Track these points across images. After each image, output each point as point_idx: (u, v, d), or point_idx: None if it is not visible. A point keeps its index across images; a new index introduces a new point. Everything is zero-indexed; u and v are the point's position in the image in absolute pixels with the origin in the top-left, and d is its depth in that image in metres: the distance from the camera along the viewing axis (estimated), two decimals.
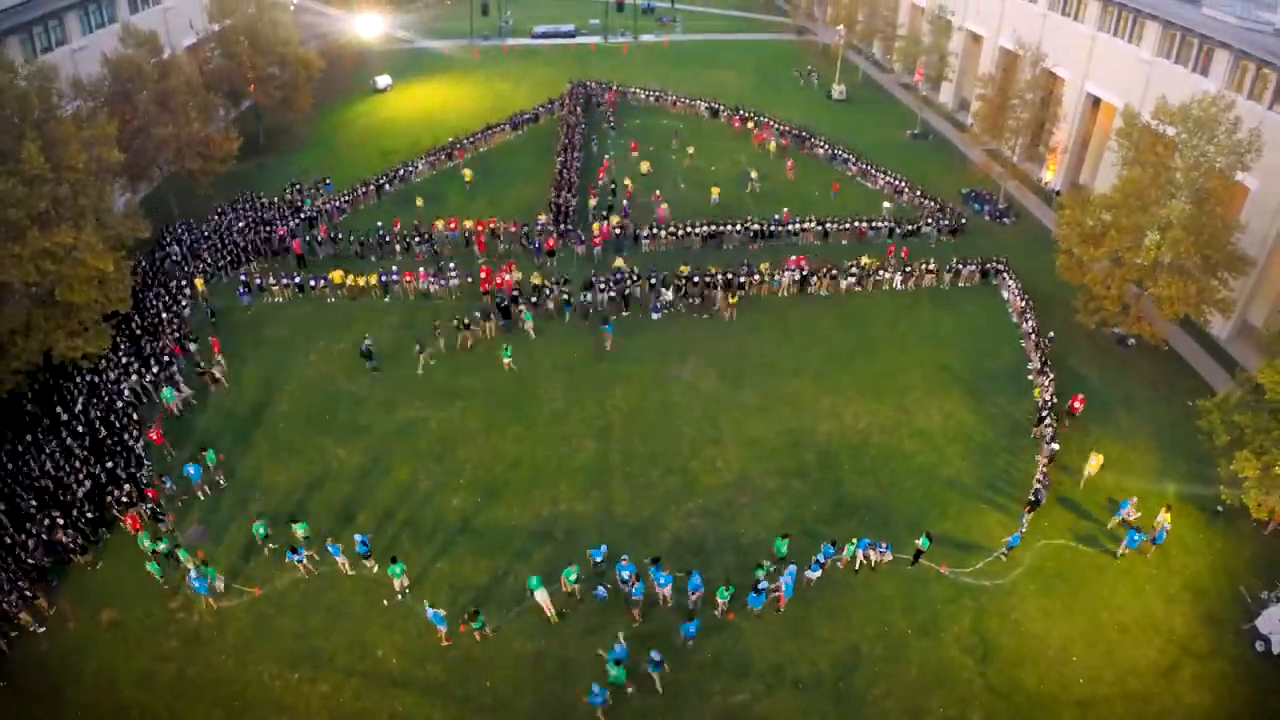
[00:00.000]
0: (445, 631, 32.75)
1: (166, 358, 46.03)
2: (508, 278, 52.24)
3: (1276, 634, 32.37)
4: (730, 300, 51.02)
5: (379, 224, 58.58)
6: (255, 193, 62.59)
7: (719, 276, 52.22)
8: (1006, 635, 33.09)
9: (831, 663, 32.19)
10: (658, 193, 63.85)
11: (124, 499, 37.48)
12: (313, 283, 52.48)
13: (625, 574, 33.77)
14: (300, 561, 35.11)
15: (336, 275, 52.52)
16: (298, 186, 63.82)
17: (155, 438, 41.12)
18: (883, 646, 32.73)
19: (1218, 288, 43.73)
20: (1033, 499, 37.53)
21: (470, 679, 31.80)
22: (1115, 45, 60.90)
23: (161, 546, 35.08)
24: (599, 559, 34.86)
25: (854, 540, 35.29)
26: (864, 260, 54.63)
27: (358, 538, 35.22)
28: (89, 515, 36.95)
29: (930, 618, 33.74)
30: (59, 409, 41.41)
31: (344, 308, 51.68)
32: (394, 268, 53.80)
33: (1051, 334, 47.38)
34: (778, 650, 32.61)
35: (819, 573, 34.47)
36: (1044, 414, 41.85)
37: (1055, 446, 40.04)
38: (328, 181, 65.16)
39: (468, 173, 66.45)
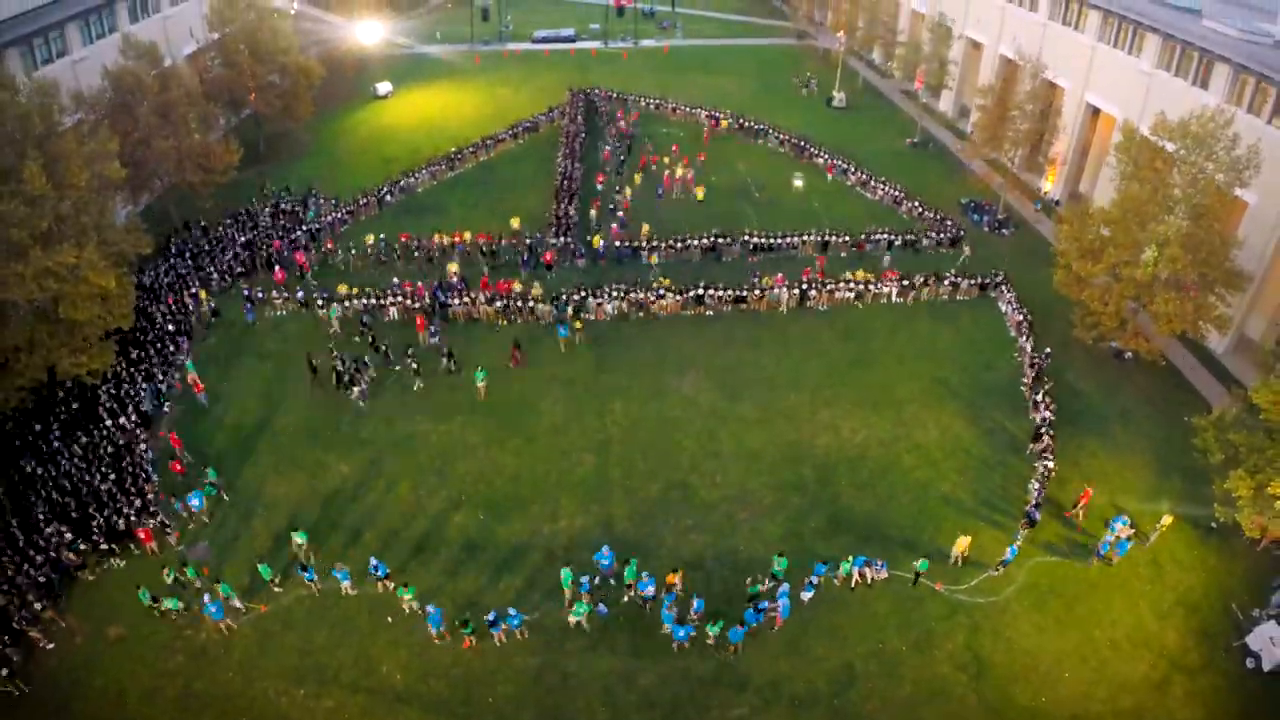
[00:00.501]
0: (441, 630, 33.66)
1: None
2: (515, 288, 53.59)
3: (1267, 651, 32.75)
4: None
5: (382, 236, 58.94)
6: (249, 207, 62.80)
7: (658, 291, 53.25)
8: (1000, 652, 33.51)
9: (827, 680, 32.62)
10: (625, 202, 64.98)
11: (132, 515, 38.02)
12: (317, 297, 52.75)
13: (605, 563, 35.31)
14: (311, 580, 35.60)
15: (342, 288, 53.07)
16: (284, 197, 64.32)
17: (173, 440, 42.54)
18: (878, 664, 33.15)
19: (1215, 304, 44.07)
20: (1028, 516, 37.93)
21: (473, 695, 32.25)
22: (1115, 56, 61.15)
23: (182, 574, 35.74)
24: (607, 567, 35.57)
25: (849, 559, 35.77)
26: (859, 274, 55.01)
27: (373, 561, 35.69)
28: (102, 527, 37.57)
29: (924, 635, 34.16)
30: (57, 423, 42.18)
31: (346, 321, 52.03)
32: (395, 279, 54.28)
33: (1048, 350, 47.52)
34: (774, 667, 33.05)
35: (812, 593, 34.94)
36: (1040, 431, 42.21)
37: (1050, 463, 40.41)
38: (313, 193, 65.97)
39: (515, 220, 62.03)
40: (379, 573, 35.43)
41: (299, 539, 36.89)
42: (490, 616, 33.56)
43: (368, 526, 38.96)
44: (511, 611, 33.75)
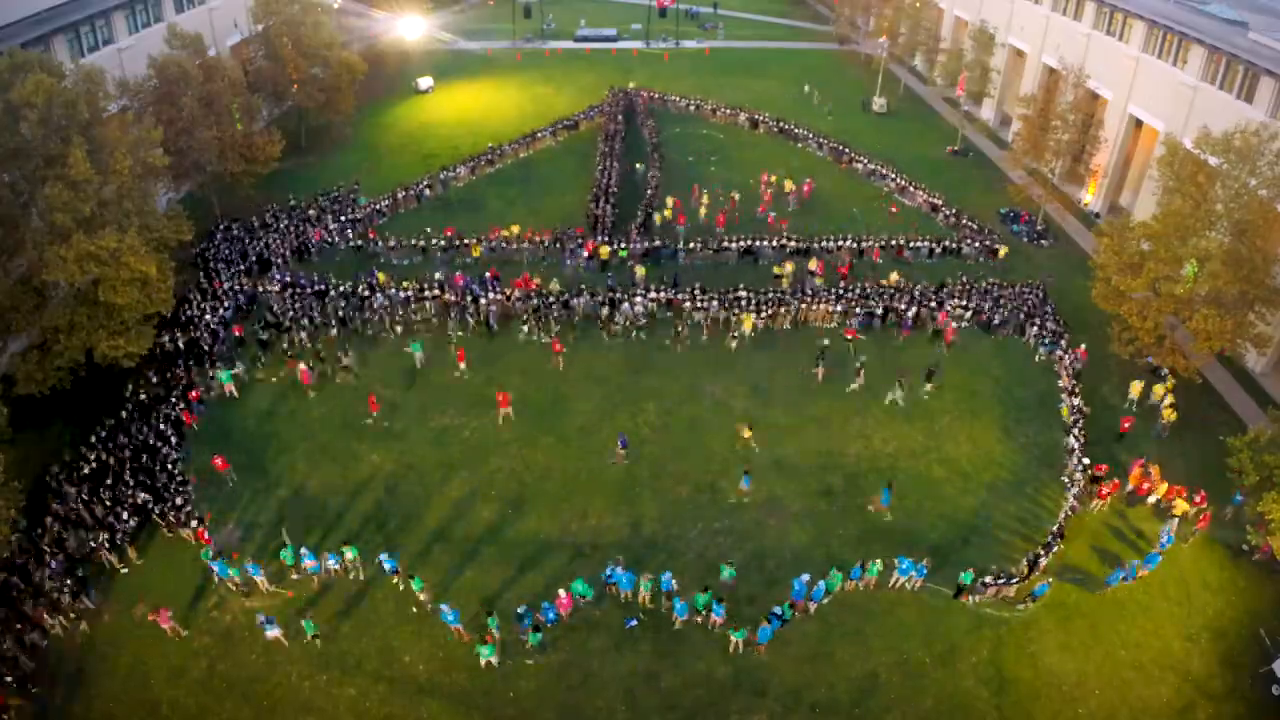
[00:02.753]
0: (461, 629, 33.81)
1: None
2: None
3: None
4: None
5: (428, 229, 59.49)
6: (289, 203, 63.15)
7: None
8: (1024, 668, 33.26)
9: (849, 688, 32.52)
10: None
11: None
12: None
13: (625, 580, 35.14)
14: (336, 566, 35.97)
15: (382, 277, 53.71)
16: (331, 194, 64.42)
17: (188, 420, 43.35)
18: (900, 674, 33.01)
19: (1254, 322, 43.55)
20: (1059, 526, 37.79)
21: (494, 689, 32.43)
22: (1159, 68, 60.45)
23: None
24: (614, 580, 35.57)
25: (877, 561, 35.87)
26: (894, 276, 54.95)
27: (382, 556, 35.95)
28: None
29: (949, 648, 33.95)
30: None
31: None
32: (437, 275, 54.71)
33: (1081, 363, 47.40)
34: (796, 674, 32.99)
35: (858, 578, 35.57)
36: (1072, 437, 42.05)
37: (1086, 461, 40.52)
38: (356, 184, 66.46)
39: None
40: (389, 567, 35.74)
41: (350, 554, 36.55)
42: (520, 610, 33.84)
43: (396, 519, 39.21)
44: (547, 604, 34.05)
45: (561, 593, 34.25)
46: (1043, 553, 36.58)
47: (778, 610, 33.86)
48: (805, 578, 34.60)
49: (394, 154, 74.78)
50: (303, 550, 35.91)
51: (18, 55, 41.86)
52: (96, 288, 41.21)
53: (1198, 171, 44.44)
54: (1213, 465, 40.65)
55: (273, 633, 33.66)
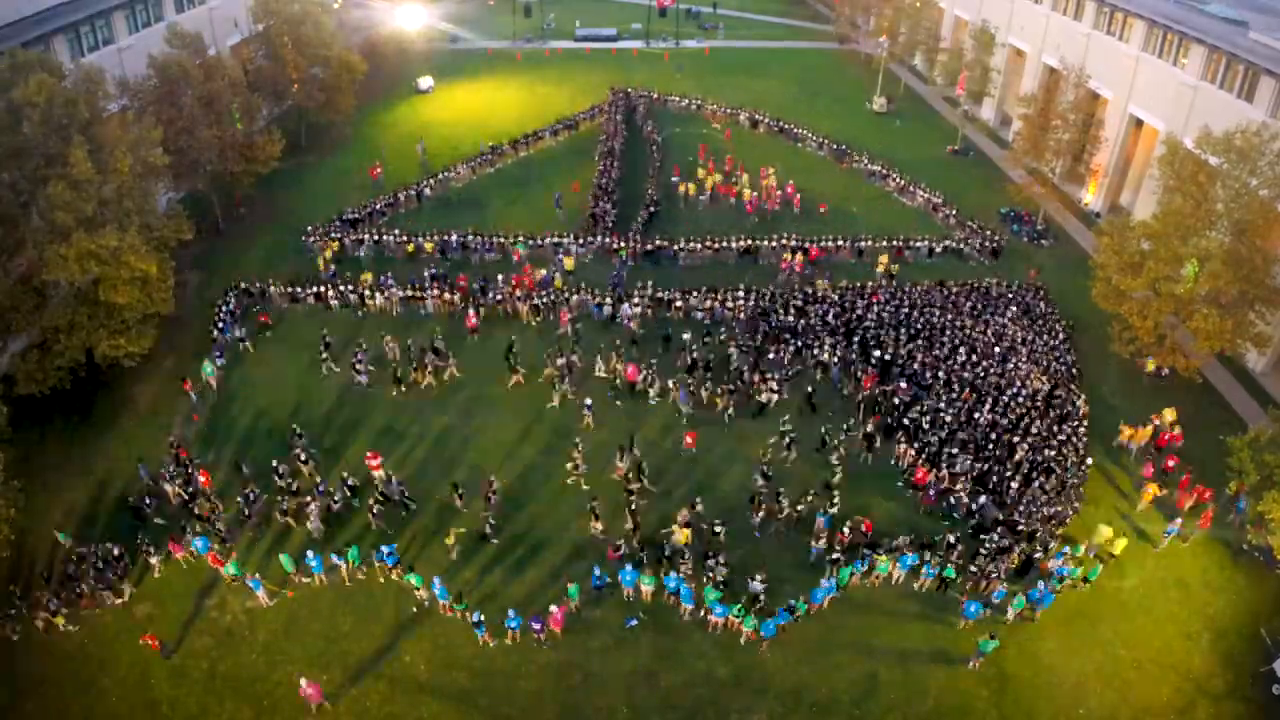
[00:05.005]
0: (423, 596, 34.58)
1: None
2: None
3: None
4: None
5: (434, 229, 59.55)
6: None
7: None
8: (1024, 668, 33.21)
9: (849, 688, 32.51)
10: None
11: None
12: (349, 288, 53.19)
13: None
14: (341, 564, 35.95)
15: (366, 277, 53.83)
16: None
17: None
18: (901, 674, 32.99)
19: (1254, 322, 43.56)
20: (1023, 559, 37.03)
21: (494, 688, 32.44)
22: (1160, 67, 60.44)
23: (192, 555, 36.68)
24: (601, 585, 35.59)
25: (884, 557, 35.75)
26: (883, 260, 55.73)
27: (385, 549, 36.00)
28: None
29: (950, 647, 33.95)
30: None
31: (376, 315, 52.56)
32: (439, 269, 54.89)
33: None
34: (797, 673, 32.98)
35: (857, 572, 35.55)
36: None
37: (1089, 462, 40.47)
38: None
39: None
40: (389, 561, 35.79)
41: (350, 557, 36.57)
42: (511, 614, 33.73)
43: (394, 518, 39.16)
44: (511, 613, 33.84)
45: (554, 608, 33.80)
46: (1040, 550, 36.54)
47: (791, 603, 33.84)
48: (824, 582, 34.77)
49: (394, 154, 74.43)
50: (308, 552, 35.92)
51: (19, 55, 42.03)
52: (97, 287, 41.32)
53: (1198, 171, 44.42)
54: (1213, 465, 40.60)
55: (259, 592, 34.72)
